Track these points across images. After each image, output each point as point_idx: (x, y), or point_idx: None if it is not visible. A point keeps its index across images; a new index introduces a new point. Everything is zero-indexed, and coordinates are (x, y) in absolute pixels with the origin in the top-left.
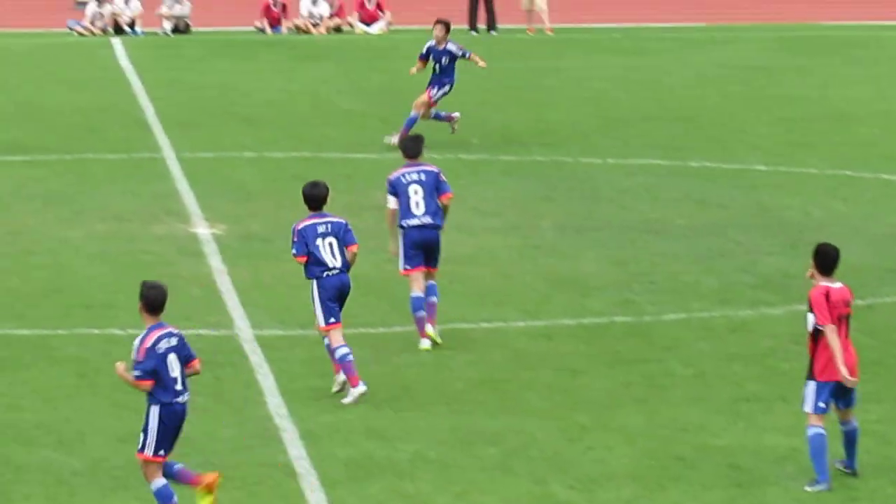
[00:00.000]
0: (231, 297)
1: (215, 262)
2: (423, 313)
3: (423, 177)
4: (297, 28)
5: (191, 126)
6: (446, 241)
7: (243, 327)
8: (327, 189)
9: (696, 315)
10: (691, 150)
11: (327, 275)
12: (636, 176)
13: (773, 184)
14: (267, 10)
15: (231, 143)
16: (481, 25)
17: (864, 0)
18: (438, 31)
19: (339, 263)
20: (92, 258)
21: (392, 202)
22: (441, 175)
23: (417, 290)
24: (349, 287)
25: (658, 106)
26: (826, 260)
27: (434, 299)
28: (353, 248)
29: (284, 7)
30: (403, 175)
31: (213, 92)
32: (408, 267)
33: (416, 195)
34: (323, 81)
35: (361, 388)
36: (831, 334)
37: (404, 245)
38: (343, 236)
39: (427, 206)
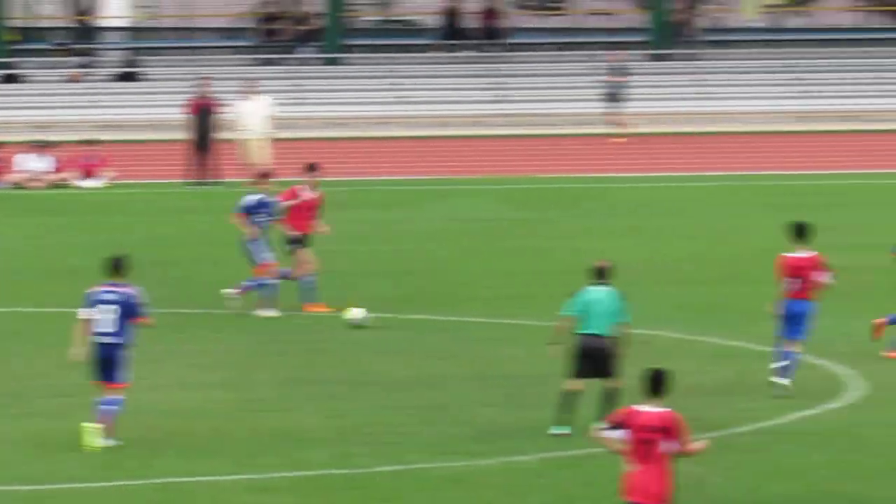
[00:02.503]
0: None
1: None
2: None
3: (115, 297)
4: (16, 184)
5: None
6: (165, 396)
7: None
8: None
9: (412, 467)
10: (413, 302)
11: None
12: (355, 329)
13: (493, 336)
14: None
15: None
16: (204, 179)
17: (592, 154)
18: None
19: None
20: None
21: (84, 314)
22: (135, 298)
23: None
24: None
25: (381, 259)
26: (653, 382)
27: (109, 407)
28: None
29: (4, 162)
30: (100, 292)
31: None
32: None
33: (106, 313)
34: (42, 236)
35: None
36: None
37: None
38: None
39: (115, 323)
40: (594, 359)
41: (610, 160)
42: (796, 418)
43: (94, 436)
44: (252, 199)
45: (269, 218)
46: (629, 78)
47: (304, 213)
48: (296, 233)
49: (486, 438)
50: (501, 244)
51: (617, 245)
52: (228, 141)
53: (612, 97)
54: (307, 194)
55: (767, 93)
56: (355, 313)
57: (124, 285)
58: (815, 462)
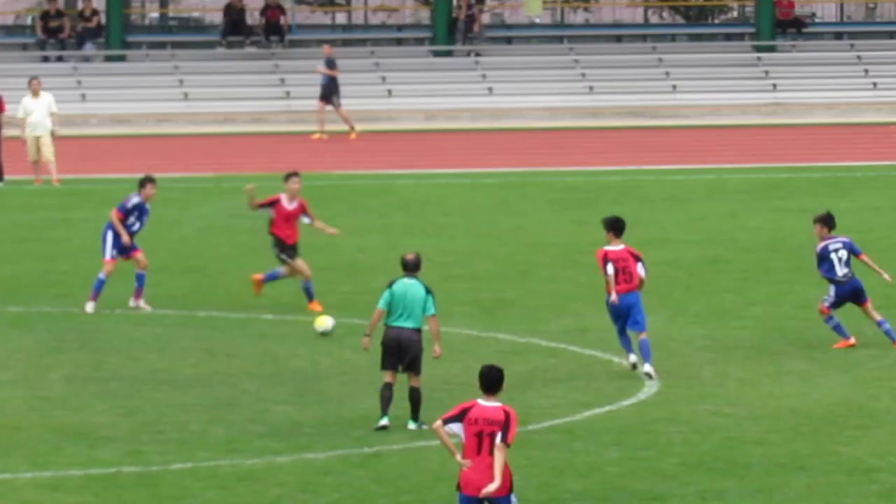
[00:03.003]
0: None
1: None
2: None
3: None
4: None
5: None
6: None
7: None
8: None
9: (203, 464)
10: (199, 299)
11: None
12: (144, 326)
13: (281, 333)
14: None
15: None
16: None
17: (373, 149)
18: None
19: None
20: None
21: None
22: None
23: None
24: None
25: (167, 256)
26: (488, 380)
27: None
28: None
29: None
30: None
31: None
32: None
33: None
34: None
35: None
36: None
37: None
38: None
39: None
40: (400, 351)
41: (395, 156)
42: (590, 415)
43: None
44: (133, 200)
45: (141, 223)
46: (340, 72)
47: (286, 222)
48: (284, 243)
49: (277, 435)
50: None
51: (401, 242)
52: (14, 138)
53: (326, 91)
54: (285, 204)
55: (551, 89)
56: (326, 322)
57: None
58: (609, 459)
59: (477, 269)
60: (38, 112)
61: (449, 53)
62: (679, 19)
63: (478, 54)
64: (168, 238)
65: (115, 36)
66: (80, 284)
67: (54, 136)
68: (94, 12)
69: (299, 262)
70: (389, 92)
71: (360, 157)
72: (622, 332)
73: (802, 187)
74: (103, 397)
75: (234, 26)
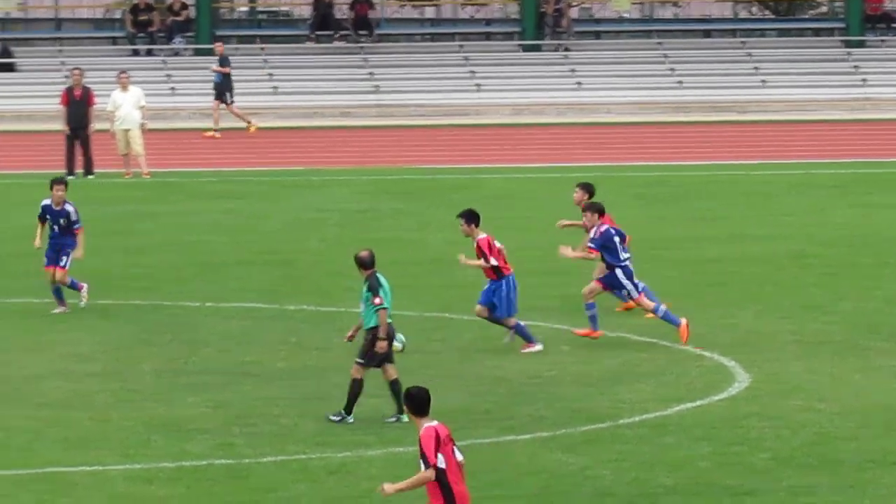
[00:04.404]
0: None
1: None
2: None
3: None
4: None
5: None
6: (45, 386)
7: None
8: None
9: (294, 457)
10: (288, 293)
11: None
12: (234, 319)
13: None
14: None
15: None
16: (79, 170)
17: (460, 144)
18: None
19: None
20: None
21: None
22: None
23: None
24: None
25: (256, 250)
26: (420, 402)
27: None
28: None
29: None
30: None
31: None
32: None
33: None
34: None
35: None
36: (430, 473)
37: None
38: None
39: None
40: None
41: (483, 151)
42: (681, 410)
43: None
44: (44, 202)
45: (57, 224)
46: (231, 69)
47: None
48: None
49: (368, 429)
50: (373, 235)
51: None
52: (103, 131)
53: (219, 89)
54: None
55: (639, 84)
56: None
57: None
58: (700, 454)
59: (564, 264)
60: (126, 105)
61: (537, 48)
62: (768, 14)
63: (566, 49)
64: (257, 231)
65: (204, 30)
66: (168, 278)
67: (143, 130)
68: (184, 6)
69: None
70: (478, 86)
71: (448, 152)
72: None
73: (891, 183)
74: (194, 390)
75: (323, 20)
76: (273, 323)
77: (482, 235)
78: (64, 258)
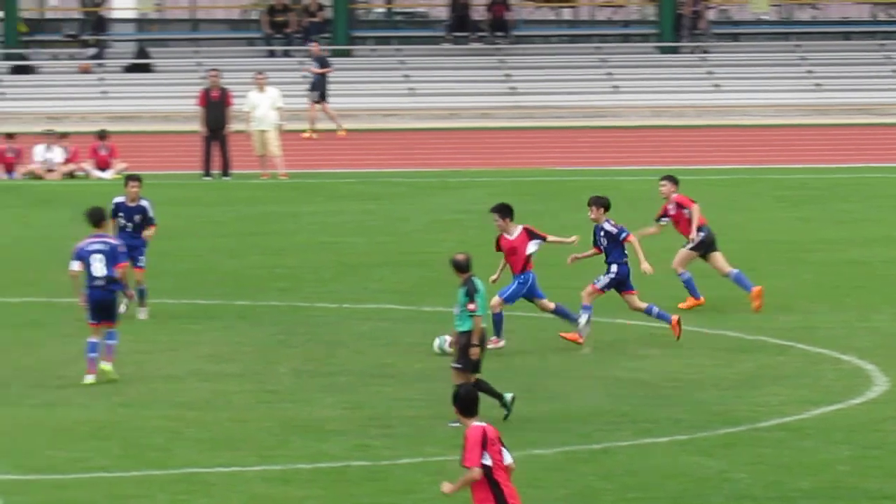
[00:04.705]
0: None
1: None
2: (95, 355)
3: (104, 247)
4: (32, 174)
5: None
6: (183, 386)
7: None
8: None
9: (431, 459)
10: (425, 294)
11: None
12: (371, 321)
13: (509, 329)
14: (0, 156)
15: None
16: (216, 170)
17: (598, 146)
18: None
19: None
20: None
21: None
22: (119, 247)
23: (95, 338)
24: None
25: (394, 251)
26: (468, 403)
27: (111, 342)
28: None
29: (19, 153)
30: (88, 244)
31: None
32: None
33: (97, 262)
34: (57, 226)
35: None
36: (476, 473)
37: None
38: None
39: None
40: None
41: (621, 153)
42: (819, 413)
43: (111, 372)
44: (117, 200)
45: (128, 222)
46: (332, 70)
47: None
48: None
49: (506, 431)
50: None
51: None
52: (239, 132)
53: (316, 90)
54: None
55: (777, 86)
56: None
57: (107, 236)
58: (839, 457)
59: (702, 266)
60: (262, 106)
61: (675, 50)
62: None
63: (704, 51)
64: (396, 233)
65: (340, 31)
66: (307, 278)
67: (280, 131)
68: (320, 7)
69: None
70: (615, 88)
71: (585, 153)
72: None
73: None
74: (331, 391)
75: (460, 22)
76: (410, 325)
77: (519, 228)
78: (141, 258)
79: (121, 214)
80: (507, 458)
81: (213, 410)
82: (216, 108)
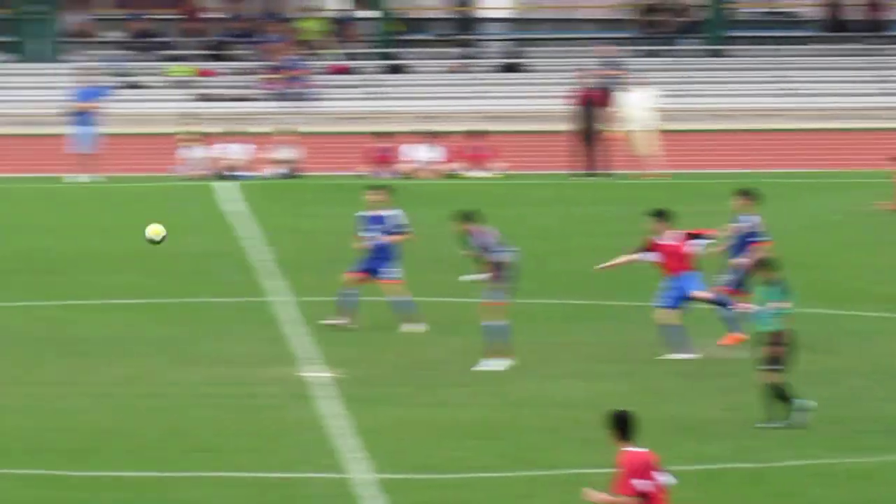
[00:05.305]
0: (345, 440)
1: (328, 406)
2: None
3: None
4: (406, 174)
5: (303, 270)
6: (561, 387)
7: (358, 471)
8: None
9: (816, 462)
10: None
11: None
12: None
13: (885, 330)
14: (376, 154)
15: None
16: (591, 170)
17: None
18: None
19: None
20: (204, 401)
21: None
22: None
23: None
24: None
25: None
26: (624, 425)
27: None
28: None
29: (390, 151)
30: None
31: (326, 237)
32: None
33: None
34: (434, 226)
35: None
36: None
37: None
38: None
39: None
40: None
41: None
42: None
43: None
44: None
45: (378, 232)
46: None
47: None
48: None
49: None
50: (890, 238)
51: None
52: (614, 132)
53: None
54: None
55: None
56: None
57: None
58: None
59: None
60: (639, 107)
61: None
62: None
63: None
64: (773, 232)
65: (714, 31)
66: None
67: (656, 131)
68: (693, 7)
69: None
70: None
71: None
72: None
73: None
74: (710, 392)
75: (835, 21)
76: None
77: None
78: (387, 270)
79: (366, 224)
80: (667, 479)
81: (592, 410)
82: (591, 108)
